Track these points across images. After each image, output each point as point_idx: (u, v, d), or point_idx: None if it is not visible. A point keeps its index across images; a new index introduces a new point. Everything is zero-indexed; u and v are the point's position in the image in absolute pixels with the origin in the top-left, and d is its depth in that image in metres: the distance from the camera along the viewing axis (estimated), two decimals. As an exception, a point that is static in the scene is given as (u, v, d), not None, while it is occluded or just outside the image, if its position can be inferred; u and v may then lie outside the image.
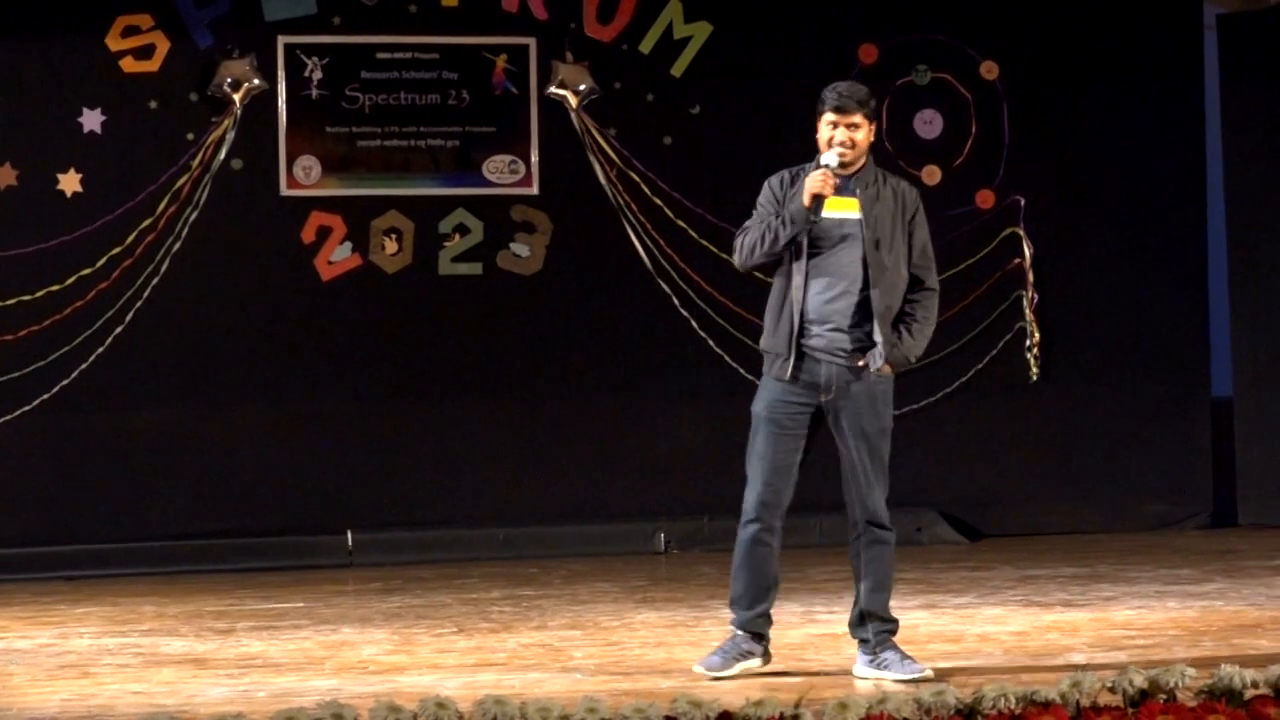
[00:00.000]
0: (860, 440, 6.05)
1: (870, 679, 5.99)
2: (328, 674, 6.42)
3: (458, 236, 10.57)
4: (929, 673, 5.96)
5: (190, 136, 10.27)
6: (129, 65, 10.22)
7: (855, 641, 6.18)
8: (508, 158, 10.59)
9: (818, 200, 6.00)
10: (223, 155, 10.28)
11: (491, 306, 10.58)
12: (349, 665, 6.61)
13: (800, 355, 6.01)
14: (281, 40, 10.36)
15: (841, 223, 6.02)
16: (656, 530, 10.53)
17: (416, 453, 10.53)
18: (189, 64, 10.26)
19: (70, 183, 10.15)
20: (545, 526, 10.49)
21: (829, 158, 6.05)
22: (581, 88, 10.60)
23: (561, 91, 10.60)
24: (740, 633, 6.18)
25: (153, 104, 10.24)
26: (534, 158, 10.60)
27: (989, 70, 10.99)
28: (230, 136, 10.28)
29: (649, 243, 10.66)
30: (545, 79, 10.60)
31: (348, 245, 10.46)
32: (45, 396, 10.08)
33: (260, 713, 4.65)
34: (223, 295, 10.35)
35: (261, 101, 10.32)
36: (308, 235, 10.40)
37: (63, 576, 9.72)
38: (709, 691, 4.96)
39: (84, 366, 10.12)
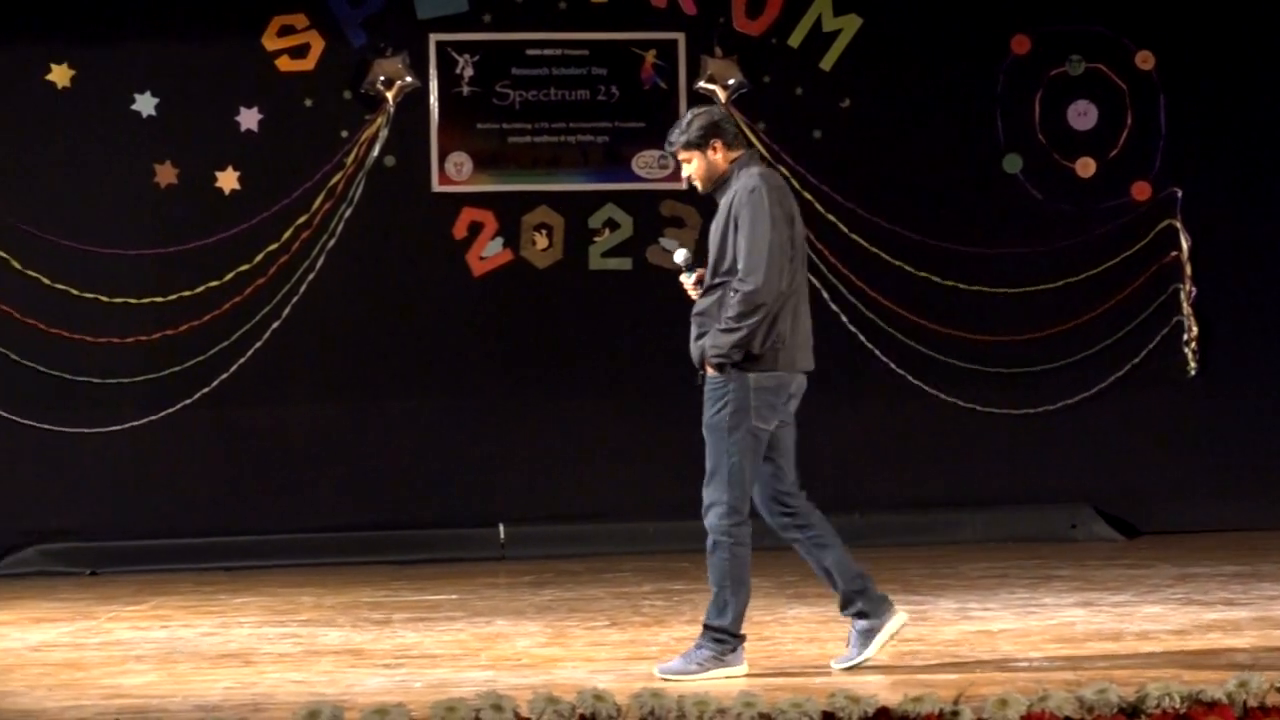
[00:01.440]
0: (705, 434, 6.19)
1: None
2: (483, 665, 6.46)
3: (607, 231, 10.61)
4: (729, 672, 6.00)
5: (344, 134, 10.40)
6: (285, 64, 10.38)
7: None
8: (657, 153, 10.61)
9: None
10: (376, 152, 10.41)
11: (641, 301, 10.59)
12: (504, 657, 6.66)
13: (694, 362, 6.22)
14: (433, 38, 10.47)
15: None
16: (807, 525, 10.46)
17: (568, 447, 10.58)
18: (343, 62, 10.40)
19: (228, 180, 10.33)
20: (696, 521, 10.41)
21: (677, 257, 6.35)
22: (730, 82, 10.59)
23: (710, 86, 10.60)
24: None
25: (308, 102, 10.39)
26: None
27: (1144, 60, 10.81)
28: (383, 134, 10.40)
29: (798, 237, 10.60)
30: (694, 74, 10.61)
31: (499, 241, 10.54)
32: (205, 390, 10.27)
33: (418, 703, 4.69)
34: (376, 291, 10.47)
35: (414, 99, 10.44)
36: (459, 231, 10.49)
37: (223, 567, 9.92)
38: (866, 688, 4.93)
39: (242, 361, 10.30)
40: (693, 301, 6.22)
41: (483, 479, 10.47)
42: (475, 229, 10.53)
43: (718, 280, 6.05)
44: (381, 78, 10.37)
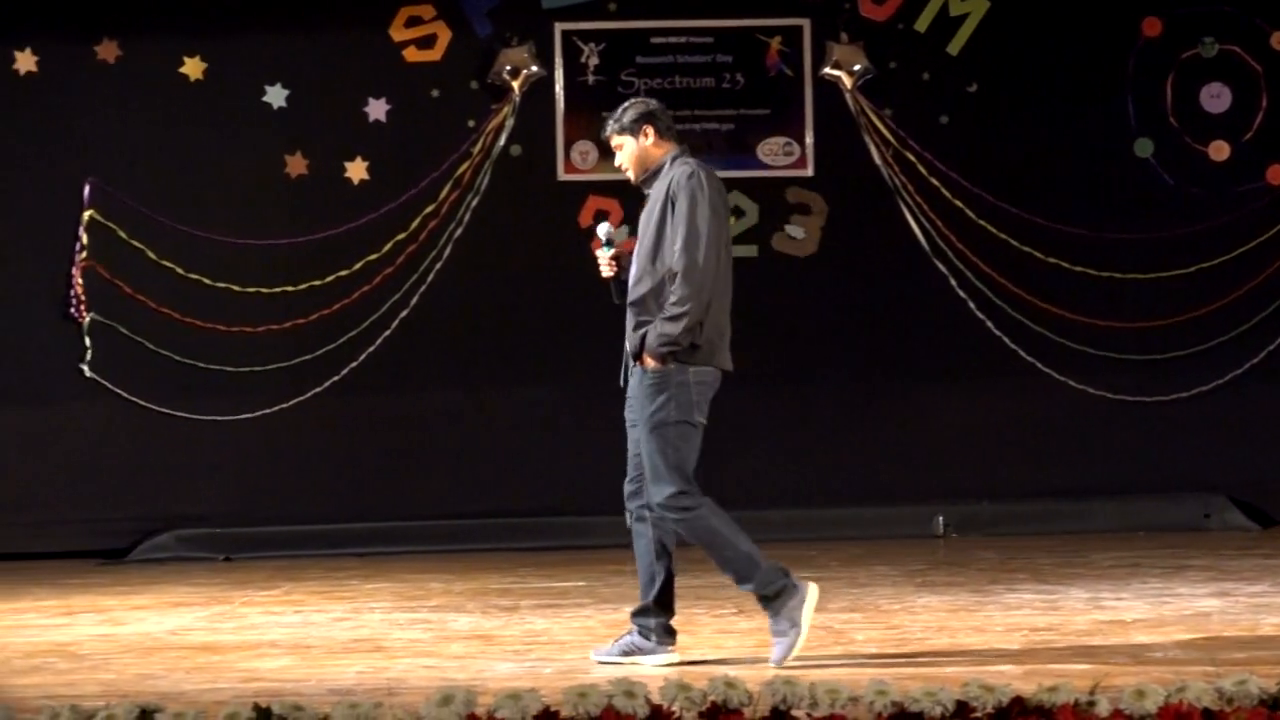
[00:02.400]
0: (641, 430, 6.05)
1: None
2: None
3: (733, 219, 10.59)
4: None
5: (471, 124, 10.47)
6: (412, 55, 10.47)
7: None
8: (782, 140, 10.58)
9: (616, 279, 6.21)
10: (502, 141, 10.47)
11: (767, 289, 10.56)
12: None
13: (627, 355, 6.17)
14: (559, 27, 10.50)
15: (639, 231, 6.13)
16: (934, 514, 10.42)
17: (692, 434, 10.55)
18: (469, 52, 10.47)
19: (357, 170, 10.44)
20: (821, 509, 10.46)
21: (600, 230, 6.35)
22: (856, 68, 10.53)
23: (836, 72, 10.55)
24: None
25: (435, 92, 10.47)
26: (809, 139, 10.56)
27: (1279, 41, 10.61)
28: (509, 123, 10.46)
29: (925, 223, 10.55)
30: (820, 60, 10.56)
31: (624, 229, 10.56)
32: (335, 378, 10.40)
33: (549, 689, 4.71)
34: (503, 279, 10.54)
35: (539, 88, 10.48)
36: (585, 219, 10.53)
37: (354, 553, 10.03)
38: (1000, 677, 4.88)
39: (371, 349, 10.41)
40: (612, 280, 6.19)
41: (608, 466, 10.39)
42: (601, 217, 10.53)
43: (654, 269, 5.95)
44: (508, 67, 10.43)
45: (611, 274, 6.23)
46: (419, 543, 10.13)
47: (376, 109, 10.46)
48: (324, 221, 10.39)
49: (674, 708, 4.24)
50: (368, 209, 10.42)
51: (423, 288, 10.44)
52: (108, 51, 10.35)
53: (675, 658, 6.14)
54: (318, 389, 10.40)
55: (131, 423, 10.34)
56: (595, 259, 6.31)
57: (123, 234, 10.36)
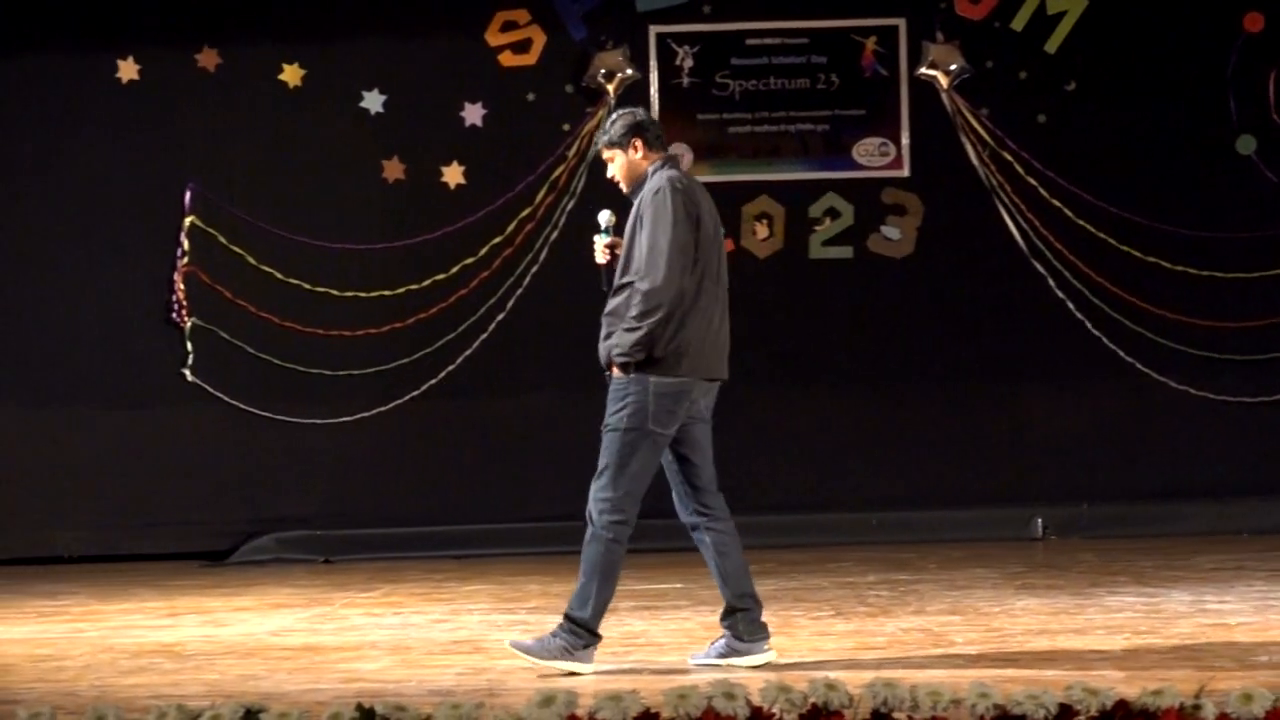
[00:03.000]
0: (604, 430, 6.11)
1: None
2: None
3: (828, 220, 10.57)
4: (573, 667, 5.97)
5: (566, 127, 10.51)
6: (507, 59, 10.52)
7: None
8: (878, 140, 10.54)
9: (608, 267, 6.21)
10: (598, 145, 10.47)
11: (862, 290, 10.54)
12: (730, 646, 6.65)
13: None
14: (653, 30, 10.52)
15: None
16: (1033, 516, 10.35)
17: (788, 436, 10.56)
18: (564, 56, 10.51)
19: (454, 175, 10.51)
20: (918, 511, 10.41)
21: (601, 218, 6.31)
22: (952, 67, 10.47)
23: (932, 72, 10.49)
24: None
25: (530, 96, 10.52)
26: (904, 140, 10.52)
27: (1385, 36, 10.45)
28: (605, 126, 10.47)
29: (1023, 223, 10.47)
30: (915, 60, 10.52)
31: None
32: (432, 381, 10.47)
33: (649, 690, 4.72)
34: (599, 283, 10.53)
35: (634, 91, 10.51)
36: (680, 222, 10.51)
37: (452, 555, 10.09)
38: (1103, 681, 4.84)
39: (468, 352, 10.47)
40: (604, 267, 6.21)
41: (705, 469, 10.48)
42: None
43: (626, 280, 6.01)
44: (602, 71, 10.46)
45: (605, 261, 6.25)
46: (516, 545, 10.17)
47: (473, 113, 10.52)
48: (421, 226, 10.47)
49: (774, 709, 4.23)
50: (464, 213, 10.48)
51: (519, 291, 10.49)
52: (208, 59, 10.48)
53: (769, 657, 6.11)
54: (415, 392, 10.47)
55: (232, 426, 10.46)
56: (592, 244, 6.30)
57: (223, 239, 10.48)
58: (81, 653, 6.85)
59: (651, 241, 5.92)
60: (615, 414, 6.04)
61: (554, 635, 6.04)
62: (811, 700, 4.25)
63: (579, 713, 4.18)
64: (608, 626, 7.16)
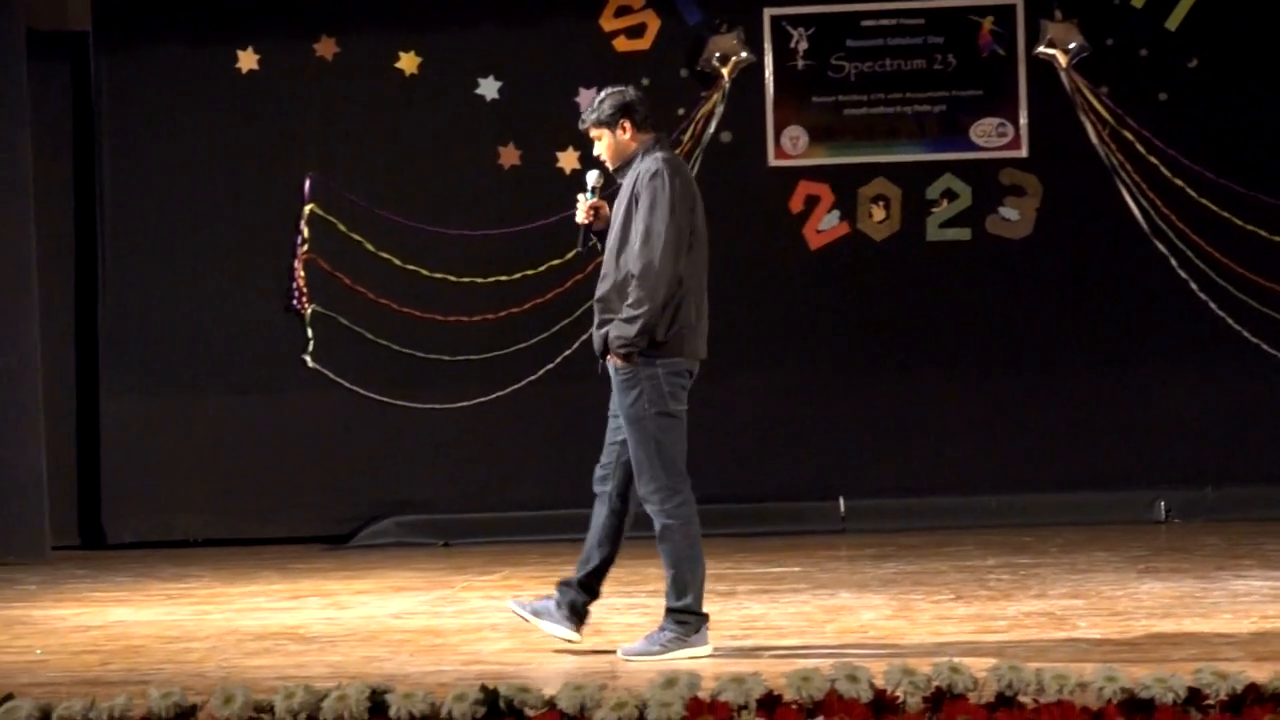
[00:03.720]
0: (624, 426, 6.05)
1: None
2: (830, 638, 6.46)
3: (945, 202, 10.49)
4: (694, 652, 5.92)
5: (681, 111, 10.50)
6: (621, 44, 10.53)
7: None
8: (995, 120, 10.44)
9: (587, 227, 6.16)
10: (712, 128, 10.48)
11: (981, 272, 10.46)
12: (850, 630, 6.64)
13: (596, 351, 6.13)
14: (767, 13, 10.49)
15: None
16: (1155, 499, 10.22)
17: (906, 419, 10.50)
18: (679, 40, 10.50)
19: (569, 160, 10.54)
20: (1038, 494, 10.32)
21: (589, 177, 6.22)
22: (1071, 46, 10.35)
23: (1050, 51, 10.37)
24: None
25: (645, 81, 10.49)
26: (1023, 120, 10.41)
27: None
28: (719, 110, 10.47)
29: (1144, 203, 10.33)
30: (1033, 39, 10.40)
31: (835, 213, 10.52)
32: (550, 366, 10.51)
33: (769, 673, 4.71)
34: (713, 266, 10.46)
35: (749, 74, 10.48)
36: (796, 205, 10.50)
37: (569, 539, 10.10)
38: (1231, 665, 4.77)
39: (584, 337, 10.48)
40: (583, 227, 6.16)
41: (822, 452, 10.48)
42: (811, 202, 10.53)
43: (618, 266, 5.94)
44: (717, 54, 10.44)
45: (586, 220, 6.19)
46: (635, 528, 10.15)
47: (587, 99, 10.53)
48: (536, 211, 10.51)
49: (898, 693, 4.22)
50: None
51: (635, 276, 10.49)
52: (326, 49, 10.59)
53: (572, 636, 6.13)
54: (532, 377, 10.52)
55: (352, 411, 10.57)
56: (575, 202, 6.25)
57: (342, 227, 10.58)
58: (208, 634, 6.96)
59: (650, 226, 5.88)
60: (633, 404, 5.97)
61: (662, 630, 6.03)
62: (935, 683, 4.23)
63: (701, 695, 4.18)
64: (727, 610, 7.19)
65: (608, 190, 6.22)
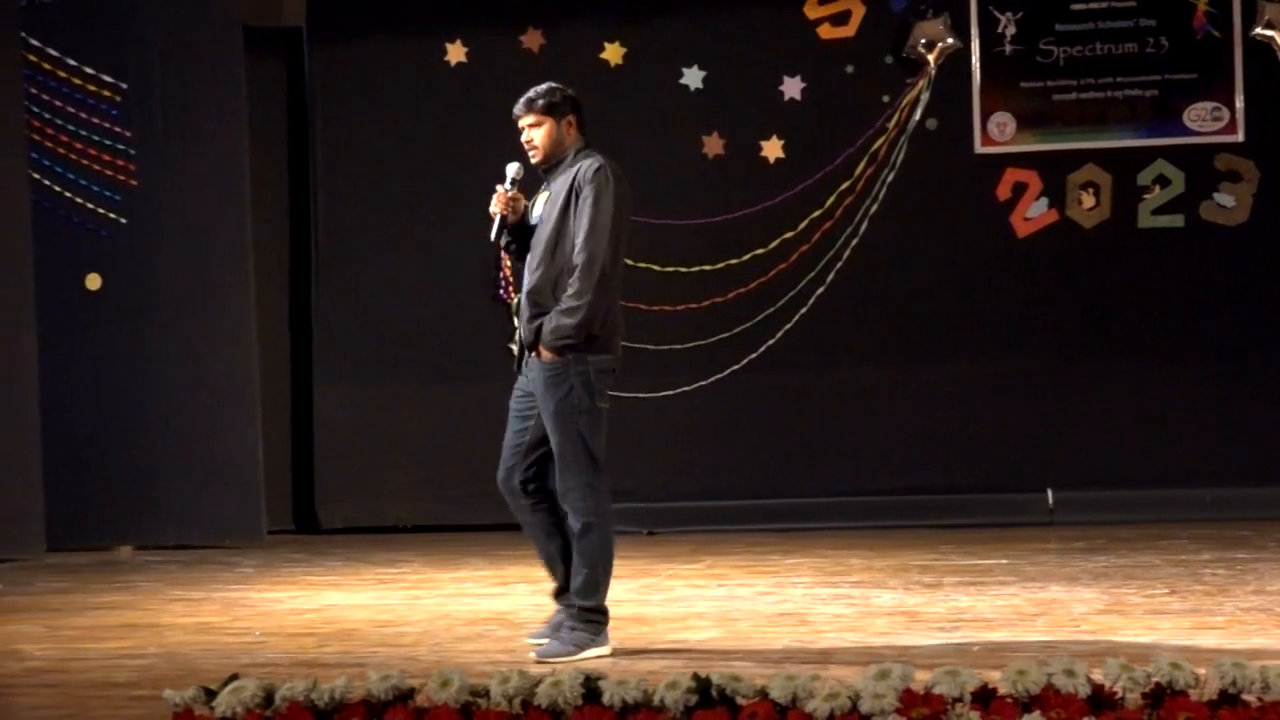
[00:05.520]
0: (548, 421, 5.96)
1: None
2: (1040, 630, 6.37)
3: (1158, 188, 10.28)
4: (598, 652, 5.89)
5: (885, 99, 10.43)
6: (826, 32, 10.48)
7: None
8: (1210, 104, 10.20)
9: (501, 219, 6.10)
10: (918, 116, 10.39)
11: (1194, 260, 10.23)
12: (1061, 623, 6.55)
13: (522, 344, 6.07)
14: (974, -3, 10.37)
15: (539, 218, 6.07)
16: (1378, 493, 9.91)
17: (1116, 410, 10.32)
18: (884, 27, 10.43)
19: (773, 149, 10.52)
20: (1255, 488, 10.06)
21: (509, 169, 6.14)
22: (1290, 27, 10.08)
23: (1268, 32, 10.11)
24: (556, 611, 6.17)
25: (849, 69, 10.47)
26: (1239, 103, 10.16)
27: None
28: (925, 97, 10.37)
29: (1367, 188, 10.02)
30: (1250, 20, 10.14)
31: (1044, 201, 10.37)
32: (752, 355, 10.51)
33: (980, 666, 4.67)
34: (919, 255, 10.47)
35: (955, 60, 10.37)
36: (1003, 192, 10.37)
37: (772, 529, 10.13)
38: None
39: (788, 326, 10.48)
40: (499, 216, 6.08)
41: (1029, 443, 10.34)
42: (1019, 190, 10.38)
43: (553, 261, 5.89)
44: (923, 40, 10.34)
45: (503, 212, 6.11)
46: (837, 519, 10.16)
47: (791, 87, 10.51)
48: (740, 200, 10.51)
49: (1116, 688, 4.14)
50: (783, 187, 10.49)
51: (839, 264, 10.45)
52: (532, 40, 10.70)
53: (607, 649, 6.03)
54: (736, 366, 10.53)
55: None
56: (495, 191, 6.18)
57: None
58: (419, 619, 7.08)
59: (595, 220, 5.88)
60: (563, 399, 5.90)
61: (572, 630, 5.96)
62: (1155, 679, 4.15)
63: (914, 686, 4.15)
64: (934, 602, 7.13)
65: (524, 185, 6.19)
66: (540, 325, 5.93)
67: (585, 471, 5.93)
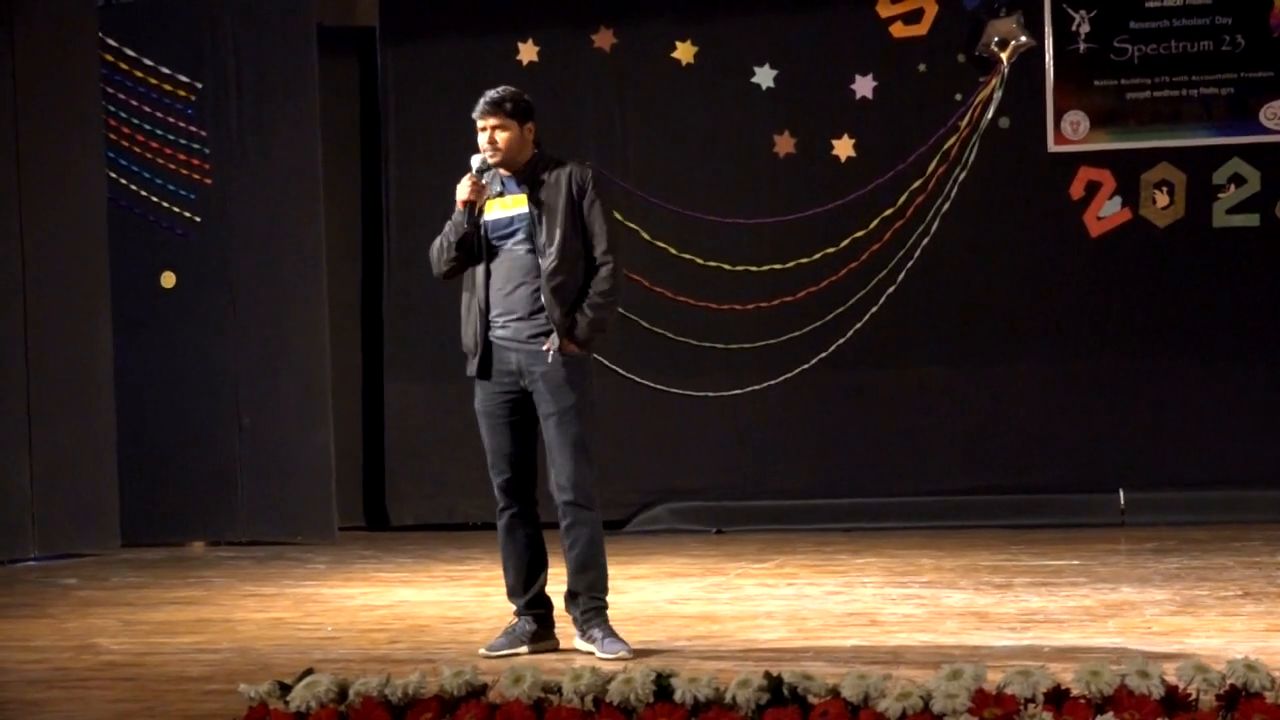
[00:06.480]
0: (549, 420, 6.02)
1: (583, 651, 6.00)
2: (1111, 632, 6.34)
3: (1233, 187, 10.20)
4: (624, 652, 5.91)
5: (958, 97, 10.39)
6: (898, 30, 10.46)
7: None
8: (1287, 103, 10.12)
9: (470, 204, 6.06)
10: (990, 114, 10.35)
11: (1269, 260, 10.15)
12: (1132, 625, 6.50)
13: (489, 348, 6.08)
14: (1055, -5, 10.32)
15: (511, 219, 6.06)
16: None
17: (1188, 411, 10.24)
18: (956, 26, 10.39)
19: (844, 148, 10.50)
20: (1332, 490, 9.97)
21: (474, 160, 6.11)
22: (1369, 24, 9.97)
23: (1346, 30, 10.01)
24: (521, 618, 6.21)
25: (921, 67, 10.43)
26: (1316, 102, 10.07)
27: None
28: (997, 95, 10.33)
29: None
30: (1328, 17, 10.05)
31: (1117, 200, 10.30)
32: (823, 354, 10.50)
33: (1053, 666, 4.65)
34: (991, 254, 10.42)
35: (1028, 58, 10.32)
36: (1076, 191, 10.31)
37: (841, 528, 10.11)
38: None
39: (859, 325, 10.46)
40: (467, 203, 6.01)
41: (1101, 443, 10.27)
42: (1092, 188, 10.32)
43: (570, 260, 5.94)
44: (996, 39, 10.30)
45: (471, 198, 6.06)
46: (907, 519, 10.13)
47: (863, 86, 10.49)
48: (811, 199, 10.50)
49: (1190, 689, 4.12)
50: (855, 186, 10.47)
51: (909, 264, 10.43)
52: (604, 40, 10.72)
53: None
54: (806, 365, 10.52)
55: (627, 398, 10.68)
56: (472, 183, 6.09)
57: (618, 215, 10.65)
58: (489, 616, 7.11)
59: (610, 222, 6.03)
60: (580, 396, 5.98)
61: (606, 626, 6.07)
62: (1230, 681, 4.12)
63: (986, 687, 4.14)
64: (1004, 602, 7.10)
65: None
66: (575, 318, 5.96)
67: (591, 467, 6.12)
